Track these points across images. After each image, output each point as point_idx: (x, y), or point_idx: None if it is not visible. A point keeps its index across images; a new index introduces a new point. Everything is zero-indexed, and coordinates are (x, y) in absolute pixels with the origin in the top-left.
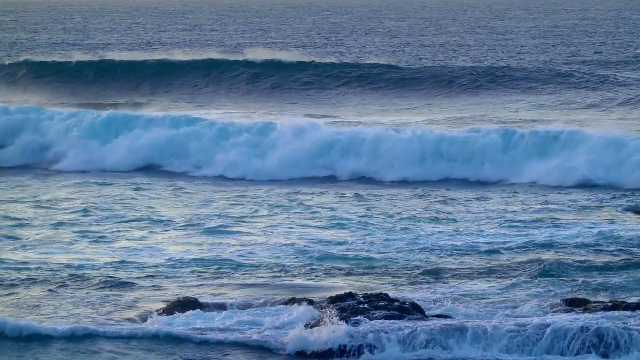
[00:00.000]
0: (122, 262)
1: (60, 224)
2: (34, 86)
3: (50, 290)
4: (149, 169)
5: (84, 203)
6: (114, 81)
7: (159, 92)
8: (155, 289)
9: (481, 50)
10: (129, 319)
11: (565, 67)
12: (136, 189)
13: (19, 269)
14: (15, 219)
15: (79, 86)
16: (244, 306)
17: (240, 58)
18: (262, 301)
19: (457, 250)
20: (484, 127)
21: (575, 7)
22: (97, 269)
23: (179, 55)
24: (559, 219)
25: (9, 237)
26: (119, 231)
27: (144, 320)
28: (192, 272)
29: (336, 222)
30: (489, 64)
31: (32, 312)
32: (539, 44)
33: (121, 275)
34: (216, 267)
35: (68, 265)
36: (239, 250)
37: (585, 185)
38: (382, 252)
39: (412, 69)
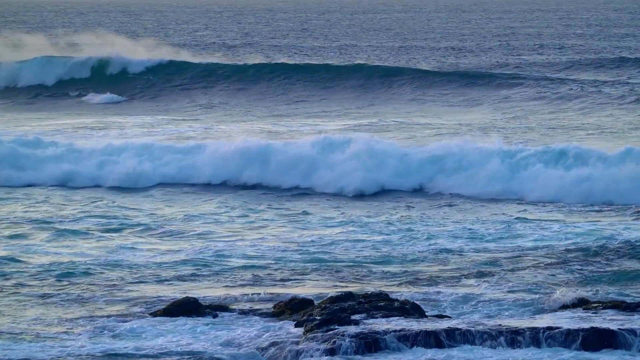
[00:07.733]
0: (119, 262)
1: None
2: None
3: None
4: None
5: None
6: None
7: None
8: (155, 290)
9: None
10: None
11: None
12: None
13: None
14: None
15: None
16: (243, 308)
17: None
18: (259, 302)
19: (456, 251)
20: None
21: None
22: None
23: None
24: (555, 220)
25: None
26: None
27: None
28: (192, 273)
29: (335, 222)
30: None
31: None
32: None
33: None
34: (215, 268)
35: (55, 263)
36: (238, 251)
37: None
38: (381, 253)
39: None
